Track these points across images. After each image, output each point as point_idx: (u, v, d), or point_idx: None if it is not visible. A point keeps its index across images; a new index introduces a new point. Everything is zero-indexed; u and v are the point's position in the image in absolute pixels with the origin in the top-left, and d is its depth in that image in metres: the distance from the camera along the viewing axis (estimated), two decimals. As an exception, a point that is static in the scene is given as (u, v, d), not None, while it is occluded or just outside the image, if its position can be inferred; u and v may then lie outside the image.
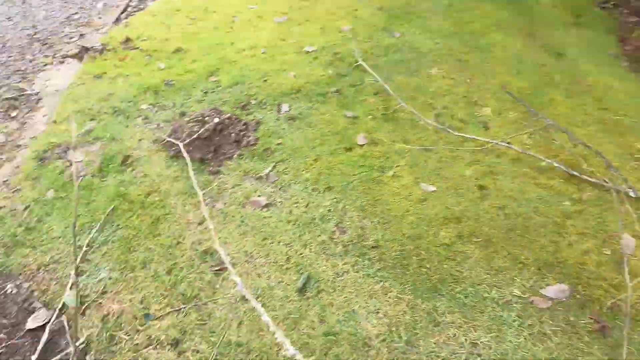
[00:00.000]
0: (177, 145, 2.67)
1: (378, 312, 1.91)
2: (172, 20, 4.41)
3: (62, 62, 3.58)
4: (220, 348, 1.77)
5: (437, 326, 1.86)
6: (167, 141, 2.76)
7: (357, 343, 1.80)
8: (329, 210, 2.37)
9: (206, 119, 2.89)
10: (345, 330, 1.84)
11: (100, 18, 4.23)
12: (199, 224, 2.31)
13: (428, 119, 2.94)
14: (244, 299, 1.95)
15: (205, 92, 3.31)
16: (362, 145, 2.80)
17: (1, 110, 3.07)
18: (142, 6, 4.49)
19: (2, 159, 2.68)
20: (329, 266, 2.10)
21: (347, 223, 2.31)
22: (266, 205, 2.41)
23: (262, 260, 2.13)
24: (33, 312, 1.91)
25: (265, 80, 3.43)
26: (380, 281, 2.03)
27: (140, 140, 2.84)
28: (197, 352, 1.78)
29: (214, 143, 2.77)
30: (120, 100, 3.20)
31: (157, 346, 1.79)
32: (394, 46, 3.88)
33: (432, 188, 2.49)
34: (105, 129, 2.91)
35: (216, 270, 2.08)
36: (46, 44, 3.81)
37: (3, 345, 1.79)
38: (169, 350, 1.78)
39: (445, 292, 1.98)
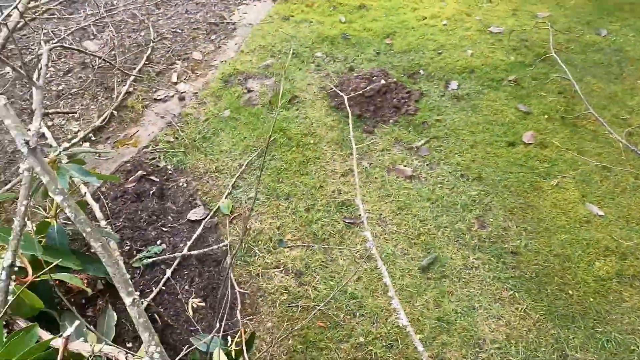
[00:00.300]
0: (341, 97, 2.77)
1: (500, 319, 1.80)
2: (362, -24, 4.45)
3: (259, 0, 3.91)
4: (336, 294, 1.87)
5: (564, 358, 1.68)
6: (333, 91, 2.88)
7: (469, 340, 1.73)
8: (474, 201, 2.26)
9: (373, 78, 2.92)
10: (460, 322, 1.78)
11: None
12: (342, 175, 2.40)
13: (617, 134, 2.53)
14: (367, 257, 2.01)
15: (378, 53, 3.33)
16: (527, 144, 2.56)
17: (204, 32, 3.52)
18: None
19: (197, 74, 3.10)
20: (459, 256, 2.02)
21: (490, 219, 2.17)
22: (410, 177, 2.39)
23: (393, 228, 2.14)
24: (194, 207, 2.24)
25: (439, 53, 3.30)
26: (511, 289, 1.89)
27: (309, 84, 3.01)
28: (315, 289, 1.90)
29: (375, 104, 2.80)
30: (299, 44, 3.40)
31: (283, 270, 1.97)
32: (596, 44, 3.37)
33: (600, 212, 2.18)
34: (281, 67, 3.14)
35: (349, 222, 2.16)
36: (249, -20, 4.19)
37: (169, 225, 2.15)
38: (291, 277, 1.94)
39: (583, 327, 1.77)
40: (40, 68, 2.03)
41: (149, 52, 3.25)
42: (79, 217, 0.93)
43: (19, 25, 3.15)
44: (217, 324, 1.38)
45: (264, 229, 2.13)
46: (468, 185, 2.34)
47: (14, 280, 1.26)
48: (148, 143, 2.58)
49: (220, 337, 1.38)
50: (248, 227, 2.15)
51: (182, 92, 2.94)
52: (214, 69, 3.16)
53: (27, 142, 0.95)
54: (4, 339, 1.04)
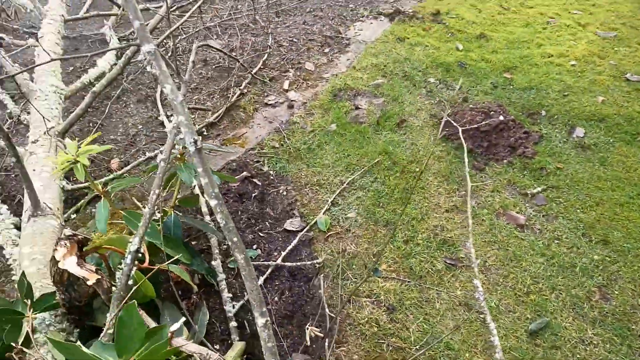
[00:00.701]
0: (452, 127, 2.62)
1: (622, 413, 1.54)
2: (485, 6, 4.28)
3: (375, 18, 3.90)
4: (429, 338, 1.72)
5: None
6: (445, 120, 2.75)
7: None
8: (596, 267, 2.00)
9: (491, 113, 2.74)
10: (572, 405, 1.56)
11: (419, -14, 4.42)
12: (447, 210, 2.25)
13: None
14: (466, 304, 1.85)
15: (495, 86, 3.13)
16: (667, 213, 2.23)
17: (319, 44, 3.56)
18: (459, -16, 4.48)
19: (308, 84, 3.13)
20: (574, 326, 1.79)
21: (615, 291, 1.90)
22: (522, 226, 2.18)
23: (498, 279, 1.95)
24: (292, 217, 2.22)
25: (565, 95, 3.03)
26: (638, 380, 1.63)
27: (419, 109, 2.91)
28: (407, 329, 1.77)
29: (489, 140, 2.62)
30: (412, 66, 3.31)
31: (375, 302, 1.86)
32: None
33: None
34: (391, 88, 3.07)
35: (449, 263, 2.01)
36: (368, -2, 4.20)
37: (266, 231, 2.14)
38: (383, 311, 1.83)
39: None
40: (185, 63, 2.14)
41: (265, 57, 3.35)
42: (228, 225, 0.92)
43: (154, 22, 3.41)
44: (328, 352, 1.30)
45: (359, 254, 2.05)
46: (591, 247, 2.08)
47: (135, 266, 1.29)
48: (254, 145, 2.63)
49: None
50: (343, 248, 2.08)
51: (291, 100, 2.98)
52: (324, 82, 3.18)
53: (195, 142, 0.96)
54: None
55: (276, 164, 2.51)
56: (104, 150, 1.46)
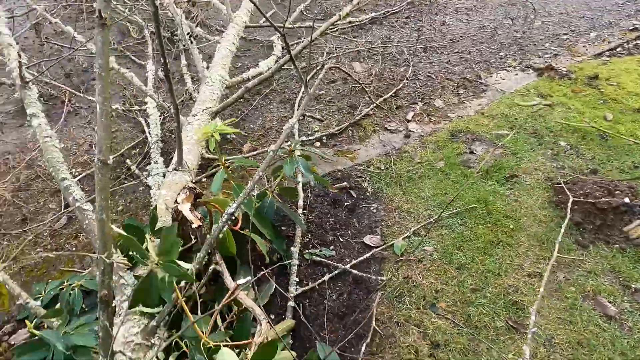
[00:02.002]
0: (566, 195, 2.50)
1: None
2: (657, 78, 3.84)
3: (522, 70, 3.82)
4: (463, 387, 1.74)
5: None
6: (560, 186, 2.62)
7: None
8: (688, 390, 1.75)
9: (616, 192, 2.52)
10: None
11: (584, 47, 4.17)
12: (528, 275, 2.18)
13: None
14: (515, 372, 1.80)
15: (636, 167, 2.85)
16: None
17: (455, 85, 3.66)
18: (634, 51, 4.09)
19: (431, 119, 3.27)
20: None
21: None
22: (610, 317, 2.00)
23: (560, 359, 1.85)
24: (372, 234, 2.40)
25: None
26: None
27: (535, 169, 2.81)
28: (444, 369, 1.81)
29: (604, 219, 2.42)
30: (545, 125, 3.19)
31: (422, 333, 1.94)
32: None
33: None
34: (514, 142, 3.02)
35: (511, 325, 1.97)
36: (522, 49, 4.12)
37: (346, 238, 2.36)
38: (426, 345, 1.90)
39: None
40: (315, 78, 2.51)
41: (399, 86, 3.58)
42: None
43: (314, 36, 3.92)
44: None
45: (423, 285, 2.13)
46: (689, 367, 1.82)
47: (228, 226, 1.63)
48: (362, 162, 2.88)
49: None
50: (409, 275, 2.18)
51: (410, 130, 3.15)
52: (447, 121, 3.27)
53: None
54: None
55: (375, 183, 2.72)
56: (235, 133, 1.85)
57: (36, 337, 1.39)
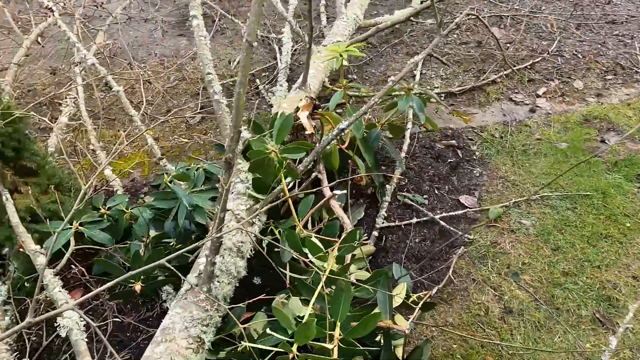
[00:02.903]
0: None
1: None
2: None
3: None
4: (524, 357, 1.72)
5: None
6: (702, 198, 2.29)
7: None
8: None
9: None
10: None
11: None
12: (633, 277, 2.00)
13: None
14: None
15: None
16: None
17: (603, 68, 3.28)
18: None
19: (564, 99, 3.01)
20: None
21: None
22: None
23: (645, 366, 1.71)
24: (470, 195, 2.37)
25: None
26: None
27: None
28: (510, 334, 1.80)
29: None
30: None
31: (498, 296, 1.92)
32: None
33: None
34: (659, 141, 2.67)
35: (597, 317, 1.86)
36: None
37: (441, 192, 2.37)
38: (498, 308, 1.89)
39: None
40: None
41: (538, 59, 3.32)
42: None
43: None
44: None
45: (510, 254, 2.09)
46: None
47: (335, 142, 1.76)
48: (477, 126, 2.79)
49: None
50: (498, 241, 2.14)
51: (537, 106, 2.95)
52: (584, 104, 2.98)
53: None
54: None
55: (485, 149, 2.64)
56: (359, 55, 1.93)
57: (169, 190, 1.69)
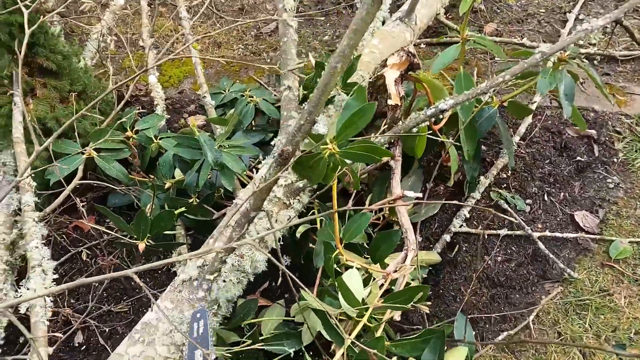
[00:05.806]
0: None
1: None
2: None
3: None
4: None
5: None
6: None
7: None
8: None
9: None
10: None
11: None
12: None
13: None
14: None
15: None
16: None
17: None
18: None
19: None
20: None
21: None
22: None
23: None
24: (591, 213, 1.76)
25: None
26: None
27: None
28: None
29: None
30: None
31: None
32: None
33: None
34: None
35: None
36: None
37: (551, 198, 1.77)
38: None
39: None
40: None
41: None
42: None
43: None
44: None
45: (622, 313, 1.54)
46: None
47: (428, 121, 1.23)
48: (633, 114, 2.01)
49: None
50: (610, 290, 1.59)
51: None
52: None
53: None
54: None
55: (635, 151, 1.91)
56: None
57: (194, 138, 1.32)
